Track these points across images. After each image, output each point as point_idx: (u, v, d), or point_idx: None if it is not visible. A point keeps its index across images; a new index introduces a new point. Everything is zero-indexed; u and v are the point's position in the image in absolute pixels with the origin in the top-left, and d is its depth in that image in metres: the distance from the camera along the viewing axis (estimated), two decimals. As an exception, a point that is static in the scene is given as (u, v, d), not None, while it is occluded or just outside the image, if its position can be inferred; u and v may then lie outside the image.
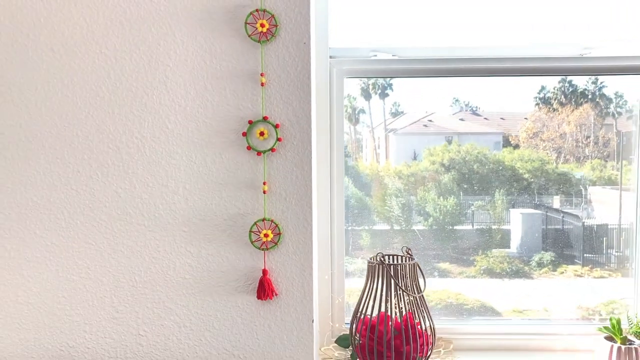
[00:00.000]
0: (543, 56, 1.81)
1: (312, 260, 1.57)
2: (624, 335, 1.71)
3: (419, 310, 1.57)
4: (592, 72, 1.87)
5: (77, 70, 1.54)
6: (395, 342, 1.55)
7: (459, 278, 1.97)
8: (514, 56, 1.82)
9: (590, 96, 1.94)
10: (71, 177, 1.56)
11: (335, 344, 1.78)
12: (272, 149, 1.53)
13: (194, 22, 1.52)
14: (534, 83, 1.92)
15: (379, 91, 1.97)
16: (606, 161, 1.95)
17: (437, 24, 1.84)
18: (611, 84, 1.92)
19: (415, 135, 2.03)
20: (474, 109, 2.02)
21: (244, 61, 1.53)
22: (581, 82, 1.93)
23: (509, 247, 1.99)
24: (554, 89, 1.94)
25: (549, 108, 1.95)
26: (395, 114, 2.01)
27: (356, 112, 1.99)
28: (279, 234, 1.55)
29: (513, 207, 1.97)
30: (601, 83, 1.92)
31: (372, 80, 1.95)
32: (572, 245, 1.97)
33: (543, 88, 1.93)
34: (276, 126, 1.53)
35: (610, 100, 1.93)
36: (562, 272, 1.95)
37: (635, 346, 1.68)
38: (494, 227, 1.98)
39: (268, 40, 1.51)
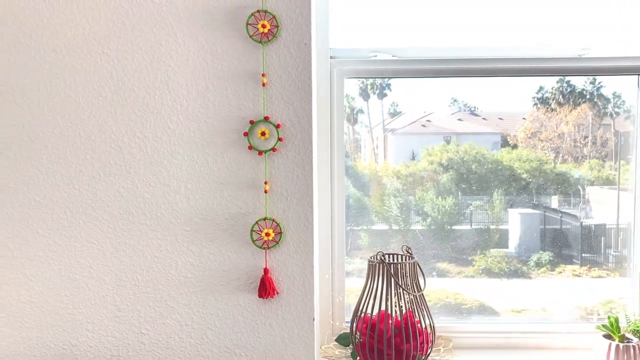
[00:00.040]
0: (541, 56, 1.82)
1: (313, 259, 1.58)
2: (622, 333, 1.72)
3: (419, 308, 1.57)
4: (590, 73, 1.88)
5: (80, 71, 1.54)
6: (395, 340, 1.56)
7: (458, 278, 1.97)
8: (512, 56, 1.82)
9: (588, 96, 1.95)
10: (73, 176, 1.57)
11: (336, 342, 1.79)
12: (273, 149, 1.54)
13: (195, 23, 1.53)
14: (532, 83, 1.93)
15: (378, 91, 1.97)
16: (604, 161, 1.95)
17: (436, 25, 1.84)
18: (609, 84, 1.92)
19: (413, 135, 2.03)
20: (472, 109, 2.02)
21: (246, 62, 1.53)
22: (579, 82, 1.94)
23: (507, 247, 1.99)
24: (552, 89, 1.94)
25: (547, 108, 1.96)
26: (394, 114, 2.01)
27: (354, 112, 1.98)
28: (280, 233, 1.56)
29: (511, 207, 1.97)
30: (599, 83, 1.93)
31: (370, 81, 1.95)
32: (570, 245, 1.98)
33: (541, 88, 1.94)
34: (277, 126, 1.53)
35: (608, 100, 1.94)
36: (561, 272, 1.96)
37: (633, 344, 1.69)
38: (492, 227, 1.98)
39: (269, 40, 1.52)
